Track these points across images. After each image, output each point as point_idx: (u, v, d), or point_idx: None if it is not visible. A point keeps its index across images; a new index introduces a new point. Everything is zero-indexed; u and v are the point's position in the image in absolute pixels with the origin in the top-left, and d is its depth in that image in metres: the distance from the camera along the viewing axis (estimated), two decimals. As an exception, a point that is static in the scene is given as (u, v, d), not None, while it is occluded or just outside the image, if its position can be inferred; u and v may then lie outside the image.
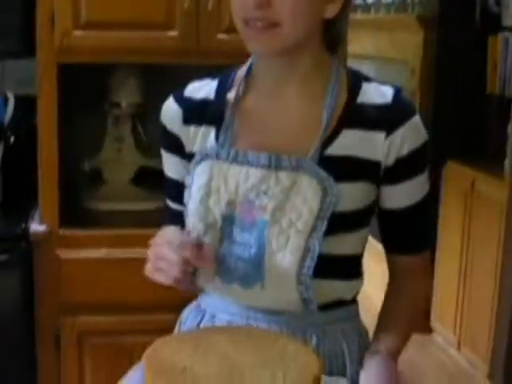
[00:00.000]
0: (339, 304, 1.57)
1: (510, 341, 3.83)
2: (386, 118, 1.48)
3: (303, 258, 1.44)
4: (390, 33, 5.06)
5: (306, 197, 1.43)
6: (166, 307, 2.61)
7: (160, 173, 3.00)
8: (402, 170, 1.50)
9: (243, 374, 1.18)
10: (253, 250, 1.47)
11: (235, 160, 1.49)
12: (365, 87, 1.52)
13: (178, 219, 1.60)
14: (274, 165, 1.46)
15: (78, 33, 2.57)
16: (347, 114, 1.49)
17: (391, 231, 1.60)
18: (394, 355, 1.47)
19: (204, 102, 1.59)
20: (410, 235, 1.60)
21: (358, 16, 5.43)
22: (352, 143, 1.47)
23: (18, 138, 2.79)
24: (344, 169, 1.46)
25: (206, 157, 1.52)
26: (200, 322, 1.63)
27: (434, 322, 4.73)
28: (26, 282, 2.60)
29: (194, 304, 1.71)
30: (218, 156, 1.50)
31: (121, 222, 2.78)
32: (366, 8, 5.54)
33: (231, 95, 1.55)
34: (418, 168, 1.53)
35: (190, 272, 1.42)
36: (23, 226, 2.60)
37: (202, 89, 1.62)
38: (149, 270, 1.48)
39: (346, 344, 1.56)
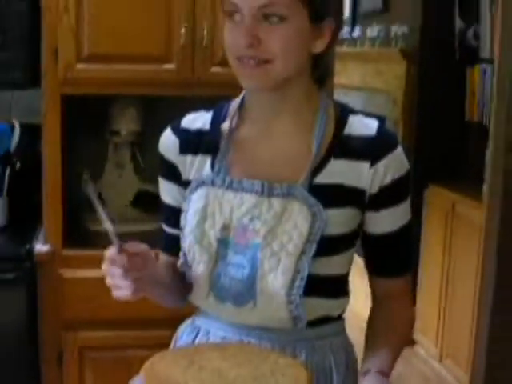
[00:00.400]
0: (327, 320, 1.57)
1: (490, 352, 3.83)
2: (371, 149, 1.49)
3: (293, 279, 1.45)
4: (374, 65, 5.08)
5: (297, 222, 1.44)
6: (163, 323, 2.61)
7: (157, 196, 3.01)
8: (385, 197, 1.51)
9: (235, 387, 1.19)
10: (246, 271, 1.48)
11: (230, 187, 1.49)
12: (351, 119, 1.53)
13: (174, 243, 1.62)
14: (267, 192, 1.46)
15: (80, 65, 2.59)
16: (335, 144, 1.50)
17: (374, 255, 1.59)
18: (385, 373, 1.45)
19: (199, 133, 1.59)
20: (392, 259, 1.59)
21: (344, 49, 5.46)
22: (339, 172, 1.48)
23: (23, 164, 2.79)
24: (332, 196, 1.47)
25: (202, 184, 1.52)
26: (195, 338, 1.63)
27: (417, 335, 4.72)
28: (30, 299, 2.59)
29: (189, 321, 1.70)
30: (213, 183, 1.51)
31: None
32: (353, 41, 5.56)
33: (225, 126, 1.55)
34: (401, 196, 1.54)
35: (140, 277, 1.45)
36: (28, 246, 2.60)
37: (197, 120, 1.62)
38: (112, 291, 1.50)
39: (333, 358, 1.56)
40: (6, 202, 2.81)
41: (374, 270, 1.60)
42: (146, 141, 3.00)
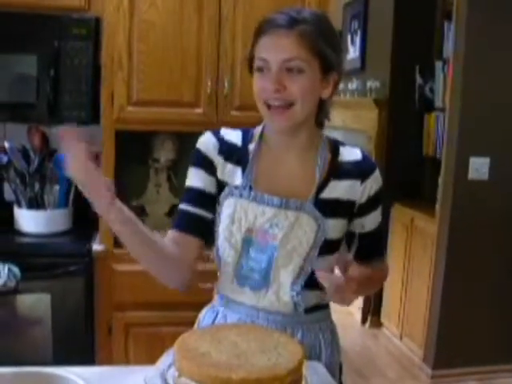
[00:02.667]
0: (318, 308, 1.59)
1: (439, 333, 3.81)
2: (360, 170, 1.54)
3: (299, 274, 1.50)
4: (353, 111, 5.09)
5: (306, 230, 1.47)
6: (188, 306, 2.59)
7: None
8: (370, 205, 1.57)
9: (247, 357, 1.18)
10: (263, 265, 1.50)
11: (254, 199, 1.50)
12: (341, 150, 1.57)
13: (191, 221, 1.56)
14: (284, 205, 1.48)
15: (130, 108, 2.59)
16: (333, 169, 1.53)
17: (364, 247, 1.58)
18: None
19: (233, 145, 1.57)
20: (377, 247, 1.69)
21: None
22: (336, 190, 1.52)
23: (85, 183, 2.79)
24: (331, 208, 1.50)
25: (232, 194, 1.52)
26: (214, 319, 1.62)
27: (383, 319, 4.70)
28: (88, 286, 2.59)
29: (209, 306, 1.70)
30: (241, 195, 1.51)
31: (158, 244, 2.77)
32: (337, 92, 5.56)
33: (251, 147, 1.55)
34: (379, 202, 1.60)
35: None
36: (87, 246, 2.60)
37: (232, 134, 1.59)
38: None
39: (322, 338, 1.59)
40: (71, 211, 2.80)
41: (365, 258, 1.57)
42: (178, 166, 3.00)
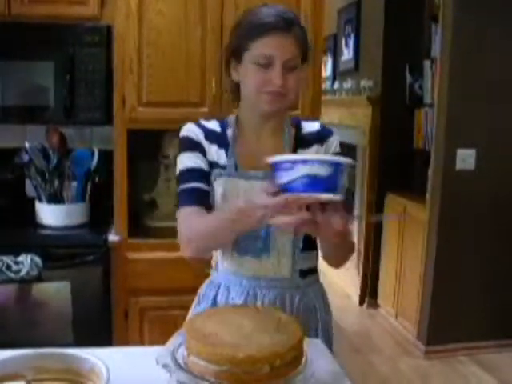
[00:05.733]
0: (311, 272, 1.65)
1: (432, 312, 3.82)
2: (320, 136, 1.62)
3: (296, 239, 1.57)
4: (348, 108, 5.08)
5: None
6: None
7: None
8: None
9: (251, 337, 1.18)
10: (262, 233, 1.55)
11: (242, 177, 1.55)
12: (303, 124, 1.65)
13: (206, 196, 1.55)
14: (267, 177, 1.44)
15: (140, 109, 2.59)
16: (297, 141, 1.61)
17: None
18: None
19: (214, 131, 1.62)
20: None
21: (327, 97, 5.45)
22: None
23: (100, 179, 2.80)
24: None
25: (221, 175, 1.56)
26: (216, 294, 1.64)
27: (379, 300, 4.70)
28: (105, 274, 2.60)
29: (207, 281, 1.71)
30: (229, 175, 1.56)
31: (169, 234, 2.77)
32: (333, 92, 5.56)
33: (230, 132, 1.60)
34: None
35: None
36: (104, 236, 2.61)
37: (209, 123, 1.64)
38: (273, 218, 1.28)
39: (316, 300, 1.64)
40: (88, 205, 2.81)
41: None
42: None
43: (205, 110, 2.62)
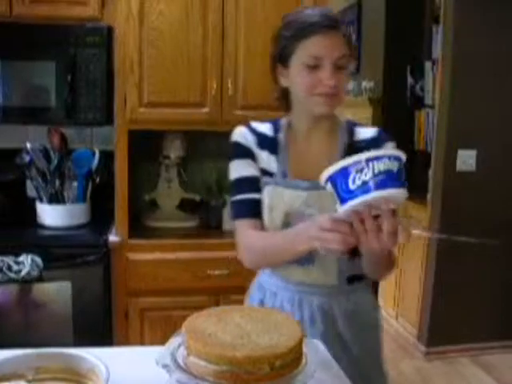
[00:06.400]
0: (359, 278, 1.59)
1: (432, 313, 3.82)
2: (374, 144, 1.49)
3: None
4: (350, 109, 5.06)
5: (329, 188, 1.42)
6: (200, 292, 2.63)
7: (195, 202, 3.02)
8: None
9: (250, 337, 1.18)
10: None
11: (288, 186, 1.51)
12: (357, 130, 1.57)
13: (255, 205, 1.55)
14: (314, 187, 1.45)
15: (141, 109, 2.59)
16: (350, 148, 1.51)
17: None
18: None
19: (265, 135, 1.58)
20: None
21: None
22: None
23: (101, 179, 2.79)
24: None
25: (268, 183, 1.53)
26: (263, 297, 1.63)
27: (380, 301, 4.69)
28: (105, 274, 2.59)
29: (255, 283, 1.69)
30: (276, 183, 1.52)
31: (169, 234, 2.78)
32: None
33: (281, 137, 1.57)
34: None
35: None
36: (104, 237, 2.61)
37: (262, 126, 1.60)
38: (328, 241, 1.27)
39: (364, 304, 1.62)
40: (89, 206, 2.81)
41: None
42: (188, 162, 3.01)
43: (205, 110, 2.62)
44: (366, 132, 1.56)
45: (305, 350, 1.23)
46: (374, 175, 1.16)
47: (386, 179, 1.16)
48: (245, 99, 2.63)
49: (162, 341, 1.27)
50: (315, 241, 1.29)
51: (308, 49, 1.45)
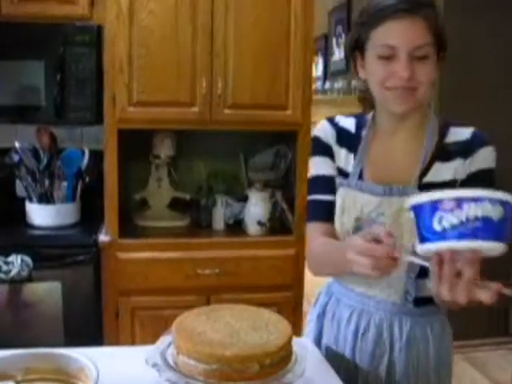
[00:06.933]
0: (430, 301, 1.41)
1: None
2: (466, 149, 1.34)
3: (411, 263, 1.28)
4: (339, 108, 5.07)
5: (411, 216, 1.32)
6: (191, 291, 2.63)
7: (185, 201, 3.02)
8: (468, 183, 1.33)
9: (240, 336, 1.18)
10: None
11: (361, 189, 1.40)
12: (452, 130, 1.39)
13: (329, 208, 1.45)
14: (388, 193, 1.36)
15: (131, 109, 2.58)
16: (438, 151, 1.37)
17: None
18: None
19: (347, 131, 1.47)
20: None
21: (319, 97, 5.46)
22: (441, 172, 1.35)
23: (91, 178, 2.78)
24: None
25: (342, 184, 1.43)
26: (328, 301, 1.55)
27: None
28: (96, 274, 2.58)
29: (325, 287, 1.59)
30: (349, 185, 1.42)
31: (160, 234, 2.78)
32: (324, 92, 5.57)
33: (364, 133, 1.45)
34: (482, 184, 1.22)
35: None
36: (94, 237, 2.59)
37: (346, 121, 1.50)
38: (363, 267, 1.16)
39: (430, 332, 1.44)
40: (79, 205, 2.80)
41: None
42: (178, 162, 3.00)
43: (195, 109, 2.61)
44: (461, 133, 1.37)
45: (295, 348, 1.24)
46: (467, 220, 0.96)
47: (481, 228, 0.96)
48: (234, 98, 2.63)
49: (153, 340, 1.27)
50: (350, 263, 1.17)
51: (381, 36, 1.29)
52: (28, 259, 2.44)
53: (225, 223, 2.85)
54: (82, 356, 1.19)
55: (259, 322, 1.24)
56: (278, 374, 1.16)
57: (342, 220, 1.42)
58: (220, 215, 2.84)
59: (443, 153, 1.36)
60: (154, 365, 1.18)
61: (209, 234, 2.80)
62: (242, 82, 2.63)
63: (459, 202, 0.97)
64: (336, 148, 1.47)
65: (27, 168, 2.70)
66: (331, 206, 1.45)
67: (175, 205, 2.97)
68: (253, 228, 2.77)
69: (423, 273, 1.34)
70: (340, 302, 1.51)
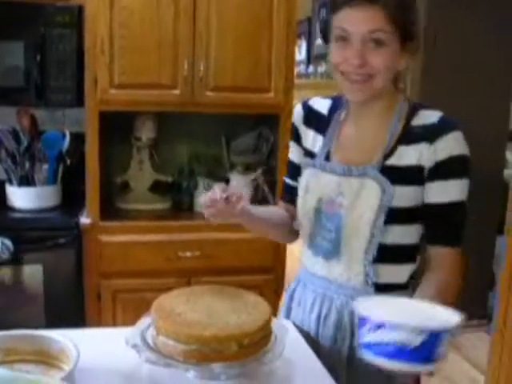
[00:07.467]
0: (393, 288, 1.40)
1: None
2: (431, 133, 1.32)
3: (368, 244, 1.36)
4: (322, 91, 5.06)
5: (370, 196, 1.34)
6: (172, 274, 2.64)
7: (167, 184, 3.01)
8: (437, 172, 1.32)
9: (219, 316, 1.19)
10: (333, 234, 1.40)
11: (324, 169, 1.42)
12: (420, 113, 1.37)
13: (291, 192, 1.54)
14: (347, 173, 1.38)
15: (112, 91, 2.57)
16: (403, 135, 1.36)
17: (427, 223, 1.38)
18: None
19: (319, 113, 1.49)
20: (440, 229, 1.37)
21: (302, 81, 5.45)
22: (405, 156, 1.34)
23: (72, 161, 2.77)
24: (398, 175, 1.33)
25: (308, 165, 1.46)
26: (296, 287, 1.56)
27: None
28: (77, 257, 2.58)
29: (298, 274, 1.59)
30: (314, 165, 1.44)
31: (141, 216, 2.78)
32: (307, 75, 5.57)
33: (336, 115, 1.47)
34: (451, 173, 1.33)
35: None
36: (75, 219, 2.59)
37: (320, 102, 1.52)
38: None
39: None
40: (60, 188, 2.79)
41: (427, 238, 1.39)
42: (159, 144, 2.99)
43: (176, 92, 2.60)
44: (428, 116, 1.35)
45: (274, 329, 1.25)
46: (385, 343, 1.01)
47: (394, 352, 1.01)
48: (216, 81, 2.62)
49: (135, 322, 1.28)
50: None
51: (338, 21, 1.32)
52: (9, 242, 2.43)
53: (206, 206, 2.85)
54: (63, 337, 1.19)
55: (238, 302, 1.25)
56: (258, 354, 1.18)
57: (305, 200, 1.45)
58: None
59: (408, 136, 1.35)
60: (134, 345, 1.19)
61: (190, 216, 2.81)
62: (224, 65, 2.63)
63: (379, 325, 1.02)
64: (303, 129, 1.51)
65: (7, 150, 2.68)
66: (293, 190, 1.52)
67: (157, 187, 2.97)
68: (234, 211, 2.78)
69: (384, 258, 1.36)
70: (306, 287, 1.52)
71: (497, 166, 3.95)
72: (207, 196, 1.34)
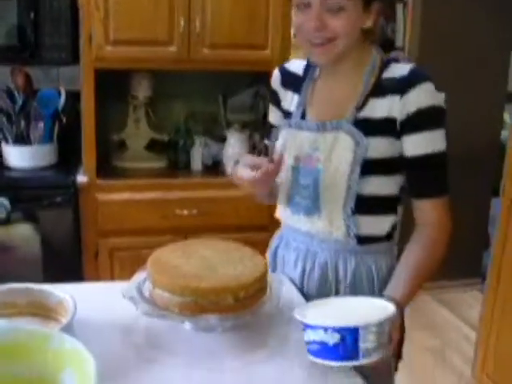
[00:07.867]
0: (375, 240, 1.42)
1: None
2: (402, 84, 1.31)
3: (346, 194, 1.36)
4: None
5: (344, 148, 1.35)
6: (169, 232, 2.64)
7: (163, 143, 3.01)
8: (411, 124, 1.31)
9: (215, 269, 1.20)
10: (311, 191, 1.41)
11: (300, 127, 1.43)
12: (392, 66, 1.37)
13: (268, 152, 1.54)
14: (321, 128, 1.38)
15: (108, 48, 2.54)
16: (374, 87, 1.35)
17: (409, 177, 1.37)
18: (404, 303, 1.30)
19: (294, 74, 1.50)
20: (423, 181, 1.36)
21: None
22: (376, 108, 1.34)
23: (68, 119, 2.75)
24: (371, 127, 1.33)
25: (285, 124, 1.47)
26: (279, 244, 1.58)
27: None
28: (74, 215, 2.59)
29: (279, 231, 1.62)
30: (290, 125, 1.45)
31: (138, 175, 2.78)
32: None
33: (311, 74, 1.48)
34: (425, 125, 1.32)
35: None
36: (72, 178, 2.59)
37: (296, 64, 1.53)
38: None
39: (376, 272, 1.43)
40: (56, 146, 2.77)
41: (412, 193, 1.38)
42: (156, 102, 2.97)
43: (173, 49, 2.57)
44: (399, 69, 1.35)
45: (270, 281, 1.26)
46: (311, 342, 1.10)
47: (318, 350, 1.09)
48: (213, 37, 2.59)
49: (130, 278, 1.29)
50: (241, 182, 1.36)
51: None
52: (5, 201, 2.43)
53: (203, 164, 2.85)
54: (60, 290, 1.20)
55: (234, 255, 1.26)
56: (253, 306, 1.19)
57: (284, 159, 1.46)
58: (198, 156, 2.83)
59: (379, 88, 1.35)
60: (131, 298, 1.19)
61: (187, 174, 2.80)
62: (220, 21, 2.59)
63: (304, 326, 1.11)
64: (282, 91, 1.52)
65: (2, 109, 2.66)
66: (271, 150, 1.52)
67: (153, 146, 2.96)
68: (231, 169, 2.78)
69: (364, 209, 1.37)
70: (289, 245, 1.54)
71: (495, 127, 3.93)
72: (252, 159, 1.34)
